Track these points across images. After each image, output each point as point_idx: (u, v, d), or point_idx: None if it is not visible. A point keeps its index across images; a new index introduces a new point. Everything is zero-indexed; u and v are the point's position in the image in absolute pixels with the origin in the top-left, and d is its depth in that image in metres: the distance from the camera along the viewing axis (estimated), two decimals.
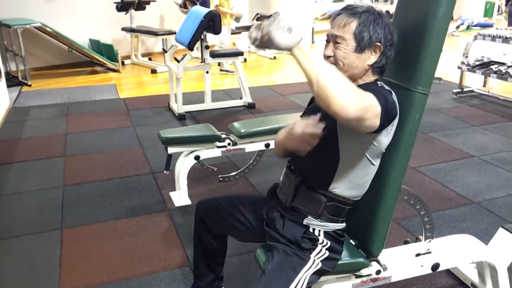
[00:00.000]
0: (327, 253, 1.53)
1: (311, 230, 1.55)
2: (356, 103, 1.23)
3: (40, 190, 3.19)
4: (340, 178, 1.51)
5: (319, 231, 1.55)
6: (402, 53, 1.58)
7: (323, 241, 1.53)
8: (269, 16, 1.40)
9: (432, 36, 1.46)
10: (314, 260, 1.50)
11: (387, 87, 1.49)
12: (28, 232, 2.67)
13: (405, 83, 1.53)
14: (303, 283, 1.45)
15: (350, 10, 1.46)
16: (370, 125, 1.34)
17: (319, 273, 1.52)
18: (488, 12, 12.75)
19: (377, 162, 1.54)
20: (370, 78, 1.52)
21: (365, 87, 1.40)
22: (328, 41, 1.51)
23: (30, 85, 6.11)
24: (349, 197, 1.55)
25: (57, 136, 4.25)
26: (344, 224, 1.60)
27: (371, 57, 1.47)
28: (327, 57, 1.50)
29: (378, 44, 1.45)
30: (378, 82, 1.52)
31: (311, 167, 1.55)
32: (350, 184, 1.52)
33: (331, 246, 1.54)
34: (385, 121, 1.39)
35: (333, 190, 1.53)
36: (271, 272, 1.46)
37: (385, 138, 1.47)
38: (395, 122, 1.46)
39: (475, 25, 11.40)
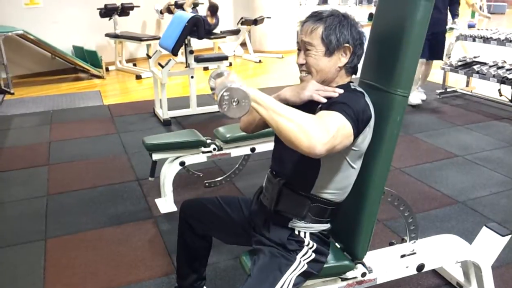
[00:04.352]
0: (313, 255, 1.53)
1: (296, 232, 1.55)
2: (321, 139, 1.25)
3: (24, 200, 3.15)
4: (322, 182, 1.51)
5: (305, 233, 1.55)
6: (381, 56, 1.60)
7: (309, 243, 1.54)
8: (221, 74, 1.46)
9: (411, 39, 1.47)
10: (300, 262, 1.50)
11: (359, 89, 1.52)
12: (11, 243, 2.63)
13: (385, 85, 1.54)
14: (289, 284, 1.45)
15: (315, 16, 1.50)
16: (345, 146, 1.38)
17: (305, 276, 1.51)
18: (472, 13, 12.92)
19: (357, 165, 1.54)
20: (343, 79, 1.55)
21: (338, 98, 1.45)
22: (299, 49, 1.55)
23: (13, 93, 6.04)
24: (332, 200, 1.56)
25: (40, 144, 4.20)
26: (328, 225, 1.60)
27: (341, 59, 1.50)
28: (300, 65, 1.54)
29: (347, 45, 1.48)
30: (351, 84, 1.54)
31: (293, 171, 1.56)
32: (332, 188, 1.53)
33: (317, 248, 1.55)
34: (359, 131, 1.42)
35: (315, 193, 1.53)
36: (257, 273, 1.46)
37: (363, 142, 1.48)
38: (371, 123, 1.48)
39: None
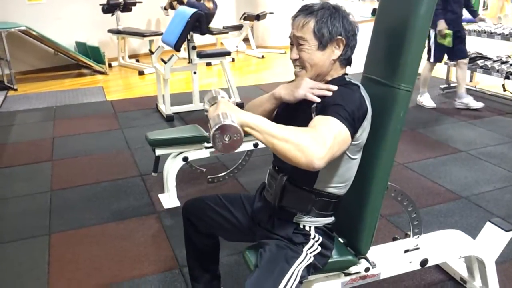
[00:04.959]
0: (319, 249, 1.53)
1: (301, 226, 1.55)
2: (319, 154, 1.25)
3: (28, 195, 3.16)
4: (325, 176, 1.51)
5: (310, 227, 1.55)
6: (385, 51, 1.59)
7: (315, 236, 1.54)
8: (215, 98, 1.49)
9: (414, 34, 1.46)
10: (307, 254, 1.50)
11: (354, 82, 1.51)
12: (15, 238, 2.64)
13: (388, 80, 1.53)
14: (296, 276, 1.44)
15: (306, 10, 1.49)
16: (343, 150, 1.39)
17: (310, 268, 1.51)
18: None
19: (358, 156, 1.54)
20: (338, 72, 1.54)
21: (333, 97, 1.43)
22: (292, 44, 1.54)
23: (16, 89, 6.04)
24: (336, 193, 1.55)
25: (44, 140, 4.21)
26: (333, 218, 1.60)
27: (335, 51, 1.49)
28: (293, 60, 1.53)
29: (339, 37, 1.47)
30: (346, 77, 1.54)
31: (295, 167, 1.54)
32: (335, 181, 1.52)
33: (323, 242, 1.55)
34: (356, 129, 1.41)
35: (319, 188, 1.53)
36: (265, 264, 1.46)
37: (362, 135, 1.47)
38: (368, 116, 1.47)
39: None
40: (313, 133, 1.29)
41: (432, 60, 4.78)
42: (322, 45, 1.46)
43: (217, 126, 1.24)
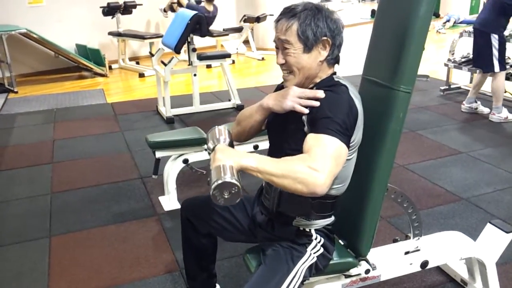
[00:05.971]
0: (322, 250, 1.53)
1: (301, 229, 1.55)
2: (319, 181, 1.25)
3: (28, 198, 3.16)
4: None
5: (310, 229, 1.55)
6: (384, 53, 1.59)
7: (316, 237, 1.54)
8: (218, 140, 1.50)
9: (414, 35, 1.46)
10: (310, 254, 1.50)
11: (343, 82, 1.49)
12: (16, 241, 2.64)
13: (388, 82, 1.52)
14: (300, 276, 1.45)
15: (288, 13, 1.45)
16: (343, 163, 1.38)
17: (312, 269, 1.51)
18: (474, 9, 12.87)
19: (353, 156, 1.52)
20: (326, 72, 1.51)
21: (321, 107, 1.41)
22: (278, 48, 1.51)
23: (16, 92, 6.05)
24: (333, 194, 1.54)
25: (44, 142, 4.22)
26: (332, 218, 1.59)
27: (321, 52, 1.46)
28: (281, 65, 1.51)
29: (325, 38, 1.44)
30: (334, 77, 1.52)
31: None
32: (332, 183, 1.50)
33: (324, 243, 1.55)
34: (351, 135, 1.40)
35: None
36: (269, 263, 1.46)
37: (357, 135, 1.46)
38: (360, 116, 1.45)
39: (461, 22, 11.49)
40: (310, 161, 1.28)
41: (498, 69, 4.42)
42: (308, 48, 1.44)
43: (214, 186, 1.27)
